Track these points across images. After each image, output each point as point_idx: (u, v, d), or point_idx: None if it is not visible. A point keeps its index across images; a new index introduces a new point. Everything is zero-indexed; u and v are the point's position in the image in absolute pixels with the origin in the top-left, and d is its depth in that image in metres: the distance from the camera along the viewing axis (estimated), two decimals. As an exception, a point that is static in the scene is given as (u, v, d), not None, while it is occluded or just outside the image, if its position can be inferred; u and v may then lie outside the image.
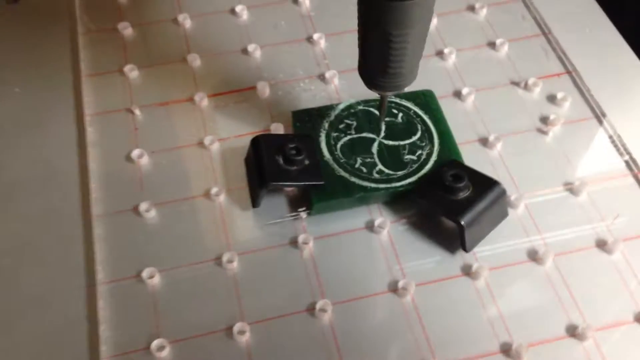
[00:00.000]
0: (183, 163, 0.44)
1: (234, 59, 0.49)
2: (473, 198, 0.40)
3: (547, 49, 0.50)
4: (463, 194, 0.40)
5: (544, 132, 0.46)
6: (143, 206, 0.42)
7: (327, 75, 0.47)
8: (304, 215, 0.41)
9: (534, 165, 0.44)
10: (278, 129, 0.45)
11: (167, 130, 0.45)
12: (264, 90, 0.47)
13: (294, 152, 0.40)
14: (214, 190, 0.43)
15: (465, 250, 0.41)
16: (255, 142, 0.42)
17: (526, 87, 0.48)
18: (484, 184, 0.41)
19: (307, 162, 0.41)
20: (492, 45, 0.51)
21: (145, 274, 0.39)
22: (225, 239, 0.41)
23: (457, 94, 0.48)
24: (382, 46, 0.35)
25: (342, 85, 0.47)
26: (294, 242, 0.41)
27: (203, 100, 0.46)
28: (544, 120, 0.46)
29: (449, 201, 0.40)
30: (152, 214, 0.42)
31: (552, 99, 0.48)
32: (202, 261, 0.40)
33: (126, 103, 0.47)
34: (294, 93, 0.47)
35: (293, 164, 0.40)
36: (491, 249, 0.41)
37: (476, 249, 0.41)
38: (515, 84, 0.48)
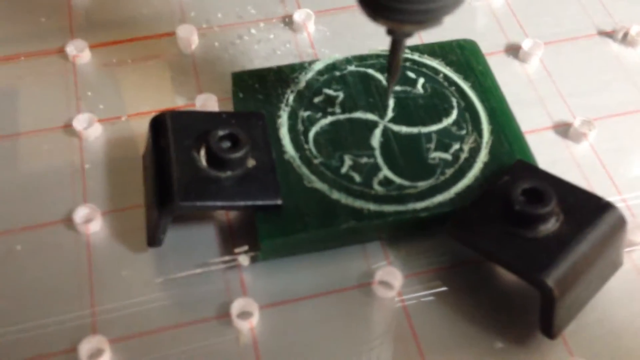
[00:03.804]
0: (30, 160, 0.32)
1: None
2: (566, 236, 0.24)
3: (650, -19, 0.37)
4: (547, 229, 0.24)
5: (662, 114, 0.32)
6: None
7: (297, 16, 0.37)
8: (244, 262, 0.28)
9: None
10: (208, 102, 0.33)
11: (11, 102, 0.34)
12: (189, 38, 0.36)
13: (228, 143, 0.27)
14: (80, 213, 0.29)
15: (551, 335, 0.24)
16: (158, 124, 0.28)
17: (625, 39, 0.35)
18: (583, 208, 0.25)
19: (252, 162, 0.27)
20: (564, -29, 0.38)
21: None
22: (91, 309, 0.27)
23: (513, 50, 0.35)
24: None
25: (320, 33, 0.37)
26: (223, 315, 0.27)
27: (82, 53, 0.35)
28: (660, 93, 0.33)
29: (521, 242, 0.24)
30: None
31: (668, 60, 0.34)
32: (47, 354, 0.25)
33: (-56, 54, 0.35)
34: (239, 45, 0.36)
35: (226, 166, 0.27)
36: (592, 327, 0.26)
37: (568, 332, 0.25)
38: (607, 34, 0.36)
